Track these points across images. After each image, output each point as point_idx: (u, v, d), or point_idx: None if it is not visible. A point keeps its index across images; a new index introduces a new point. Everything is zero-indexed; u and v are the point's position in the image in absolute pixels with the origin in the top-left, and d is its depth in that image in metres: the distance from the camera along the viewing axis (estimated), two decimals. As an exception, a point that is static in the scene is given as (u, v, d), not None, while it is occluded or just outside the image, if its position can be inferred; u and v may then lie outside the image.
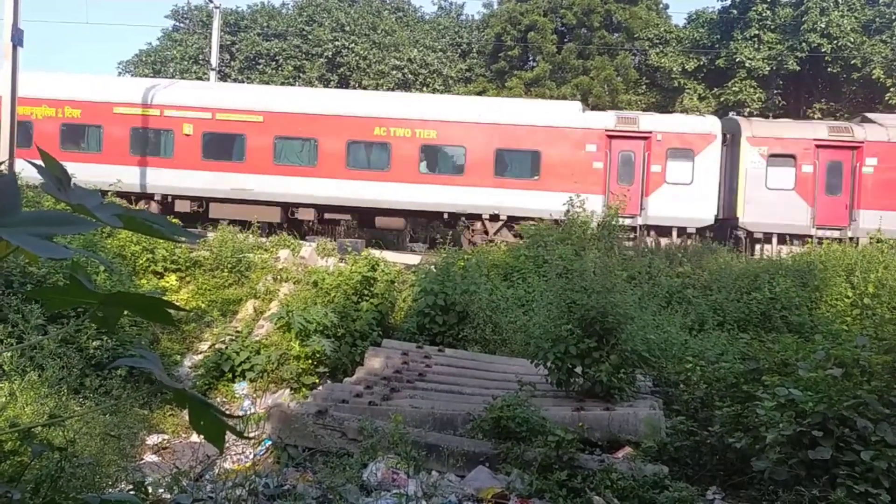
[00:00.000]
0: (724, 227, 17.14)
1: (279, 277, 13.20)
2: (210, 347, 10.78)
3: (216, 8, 25.77)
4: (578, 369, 7.64)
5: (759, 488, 5.49)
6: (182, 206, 17.57)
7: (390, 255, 14.66)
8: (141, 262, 12.54)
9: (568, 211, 15.70)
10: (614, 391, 7.54)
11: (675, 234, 16.76)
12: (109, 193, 14.50)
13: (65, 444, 4.78)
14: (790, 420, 5.12)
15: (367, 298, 11.77)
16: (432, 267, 12.33)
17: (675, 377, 8.19)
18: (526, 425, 6.58)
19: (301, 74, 33.07)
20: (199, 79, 32.04)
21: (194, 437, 7.95)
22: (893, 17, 26.73)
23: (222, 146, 17.69)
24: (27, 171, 10.80)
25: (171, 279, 12.66)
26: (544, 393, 7.91)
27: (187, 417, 1.41)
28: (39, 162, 1.20)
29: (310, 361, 10.07)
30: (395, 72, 32.00)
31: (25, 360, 7.61)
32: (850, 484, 4.62)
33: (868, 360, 5.42)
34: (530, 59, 32.19)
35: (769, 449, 5.22)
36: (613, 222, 15.20)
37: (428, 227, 20.16)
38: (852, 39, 26.34)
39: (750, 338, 8.86)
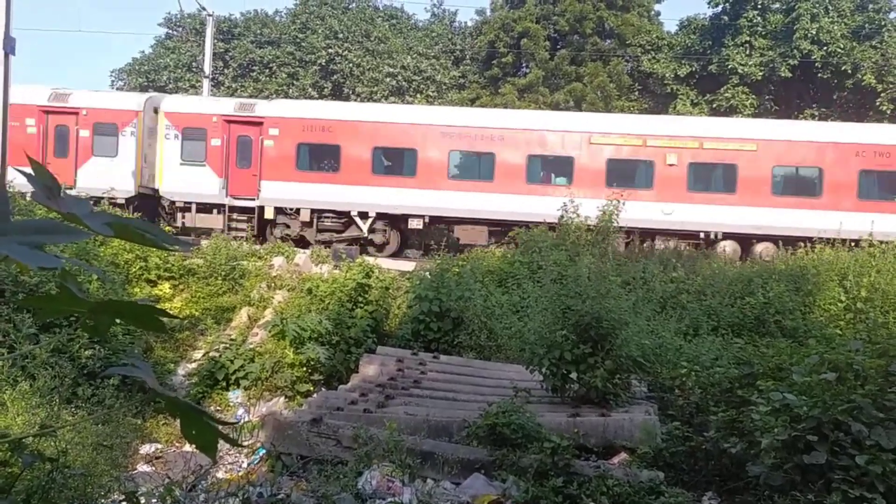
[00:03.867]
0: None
1: (273, 285, 13.16)
2: (204, 355, 10.72)
3: (209, 16, 25.79)
4: (573, 375, 7.63)
5: (755, 493, 5.48)
6: None
7: (385, 262, 14.66)
8: (134, 270, 12.49)
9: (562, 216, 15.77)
10: (609, 397, 7.53)
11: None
12: None
13: (56, 454, 4.75)
14: (785, 425, 5.12)
15: (362, 305, 11.74)
16: (427, 273, 12.32)
17: (670, 382, 8.19)
18: (521, 432, 6.57)
19: (295, 82, 33.10)
20: (193, 87, 32.03)
21: (187, 447, 7.89)
22: (883, 22, 26.99)
23: None
24: (19, 179, 10.76)
25: (165, 287, 12.60)
26: (539, 399, 7.90)
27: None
28: (29, 170, 1.19)
29: (304, 369, 10.03)
30: (388, 79, 32.08)
31: (17, 369, 7.56)
32: (846, 489, 4.62)
33: (862, 365, 5.43)
34: (523, 65, 32.32)
35: (764, 454, 5.22)
36: (605, 224, 15.24)
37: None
38: (842, 45, 26.56)
39: (744, 342, 8.87)
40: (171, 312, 1.67)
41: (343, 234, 17.85)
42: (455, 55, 34.73)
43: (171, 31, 37.15)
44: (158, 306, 1.39)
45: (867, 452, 4.69)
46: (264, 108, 18.12)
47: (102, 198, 17.68)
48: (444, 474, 6.38)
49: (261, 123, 17.78)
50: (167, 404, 1.37)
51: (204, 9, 26.16)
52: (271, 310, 11.88)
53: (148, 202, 18.47)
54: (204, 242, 14.41)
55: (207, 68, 25.55)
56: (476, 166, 17.57)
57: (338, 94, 32.66)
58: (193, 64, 33.40)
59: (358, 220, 17.51)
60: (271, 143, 17.68)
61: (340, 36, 33.03)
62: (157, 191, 18.19)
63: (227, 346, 10.54)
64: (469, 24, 36.81)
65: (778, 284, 11.95)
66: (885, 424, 4.84)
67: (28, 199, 11.85)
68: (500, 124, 17.49)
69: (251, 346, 10.50)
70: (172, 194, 18.01)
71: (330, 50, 32.54)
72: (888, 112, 26.37)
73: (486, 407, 7.12)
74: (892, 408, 4.93)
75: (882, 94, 26.62)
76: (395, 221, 17.70)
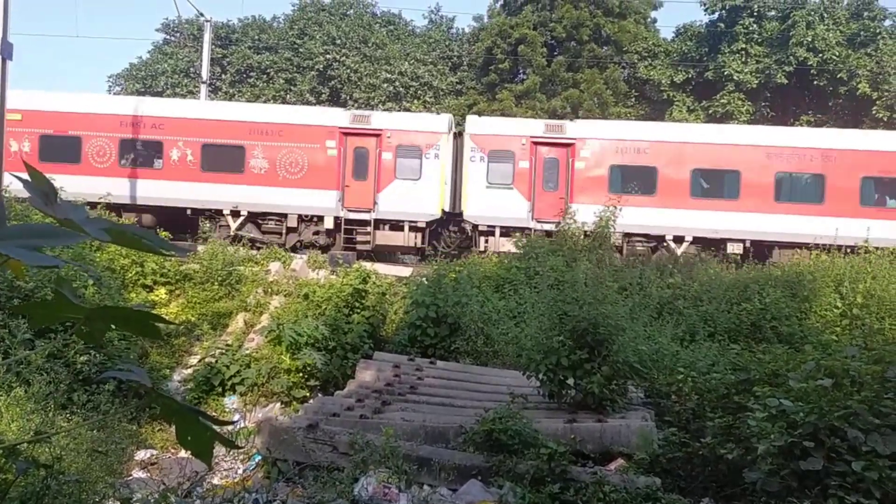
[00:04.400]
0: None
1: (270, 290, 13.14)
2: (200, 361, 10.69)
3: (207, 21, 25.82)
4: (570, 381, 7.63)
5: (752, 499, 5.48)
6: None
7: (382, 268, 14.65)
8: (130, 275, 12.46)
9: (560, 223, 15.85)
10: (606, 403, 7.53)
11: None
12: None
13: (51, 461, 4.72)
14: (781, 431, 5.12)
15: (359, 311, 11.73)
16: (424, 279, 12.31)
17: (667, 388, 8.19)
18: (518, 438, 6.56)
19: (292, 87, 33.14)
20: (191, 92, 32.04)
21: (183, 453, 7.87)
22: (877, 30, 27.12)
23: None
24: (15, 185, 10.72)
25: (161, 292, 12.57)
26: (536, 405, 7.89)
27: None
28: (25, 175, 1.19)
29: (300, 375, 10.01)
30: (386, 84, 32.13)
31: (12, 375, 7.52)
32: (842, 495, 4.62)
33: (858, 371, 5.44)
34: (520, 72, 32.40)
35: (761, 460, 5.22)
36: (602, 230, 15.29)
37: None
38: (837, 53, 26.70)
39: (740, 348, 8.88)
40: (166, 318, 1.67)
41: (653, 258, 17.14)
42: (452, 61, 34.81)
43: (168, 37, 37.17)
44: (154, 312, 1.39)
45: (863, 458, 4.70)
46: (575, 128, 17.61)
47: (403, 221, 17.23)
48: (441, 480, 6.36)
49: (570, 145, 17.32)
50: (163, 408, 1.37)
51: (202, 14, 26.20)
52: (268, 315, 11.86)
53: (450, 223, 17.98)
54: (200, 248, 14.39)
55: (205, 74, 25.56)
56: (804, 188, 16.95)
57: (335, 100, 32.69)
58: (191, 69, 33.42)
59: (672, 244, 16.88)
60: (582, 164, 17.18)
61: (338, 42, 33.09)
62: (459, 214, 17.61)
63: (223, 351, 10.53)
64: (466, 30, 36.95)
65: (774, 290, 11.97)
66: (881, 430, 4.85)
67: (24, 204, 11.82)
68: (832, 145, 16.85)
69: (247, 352, 10.48)
70: (477, 218, 17.37)
71: (328, 56, 32.59)
72: (885, 119, 26.48)
73: (482, 413, 7.11)
74: (888, 414, 4.94)
75: (878, 102, 26.73)
76: (710, 245, 16.88)
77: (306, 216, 17.61)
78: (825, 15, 27.57)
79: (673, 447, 6.57)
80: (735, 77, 27.76)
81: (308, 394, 9.98)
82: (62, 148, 17.48)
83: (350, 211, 17.48)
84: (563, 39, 31.27)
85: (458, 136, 18.17)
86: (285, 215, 17.52)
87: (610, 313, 7.71)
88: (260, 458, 7.45)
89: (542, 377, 7.72)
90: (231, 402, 9.79)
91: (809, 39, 26.74)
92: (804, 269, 13.62)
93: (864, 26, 27.18)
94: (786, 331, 10.98)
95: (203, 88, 25.46)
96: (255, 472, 7.43)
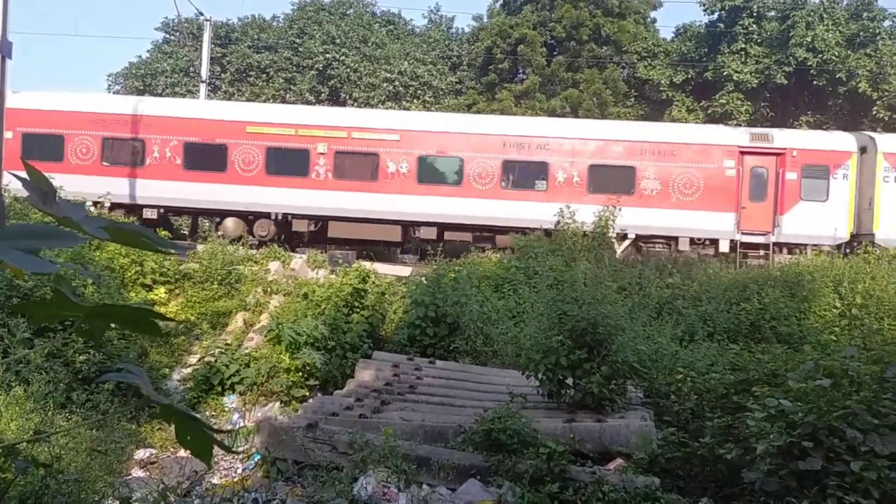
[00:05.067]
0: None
1: (269, 289, 13.14)
2: (199, 360, 10.68)
3: (207, 20, 25.82)
4: (570, 381, 7.63)
5: (751, 499, 5.48)
6: None
7: (381, 267, 14.64)
8: (129, 274, 12.44)
9: (558, 222, 15.86)
10: (605, 402, 7.53)
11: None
12: None
13: (50, 460, 4.72)
14: (780, 431, 5.13)
15: (358, 310, 11.72)
16: (423, 279, 12.31)
17: (666, 388, 8.20)
18: (517, 437, 6.56)
19: (292, 87, 33.14)
20: (190, 92, 32.05)
21: (182, 452, 7.87)
22: (877, 30, 27.14)
23: None
24: (14, 183, 10.72)
25: (160, 291, 12.56)
26: (535, 404, 7.89)
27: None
28: (24, 174, 1.19)
29: (300, 374, 10.01)
30: (385, 84, 32.13)
31: (11, 374, 7.52)
32: (841, 495, 4.62)
33: (857, 371, 5.44)
34: (520, 71, 32.42)
35: (760, 460, 5.22)
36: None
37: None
38: (837, 53, 26.71)
39: (740, 348, 8.88)
40: (165, 315, 1.67)
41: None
42: (452, 61, 34.82)
43: (168, 36, 37.16)
44: (151, 309, 1.38)
45: (862, 458, 4.70)
46: None
47: (806, 245, 16.22)
48: (440, 480, 6.36)
49: None
50: (162, 410, 1.37)
51: (201, 13, 26.21)
52: (267, 315, 11.86)
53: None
54: (200, 247, 14.38)
55: (204, 73, 25.55)
56: None
57: (335, 100, 32.69)
58: (190, 68, 33.41)
59: None
60: None
61: (338, 41, 33.09)
62: (871, 235, 16.40)
63: (223, 350, 10.52)
64: (466, 30, 36.98)
65: (773, 290, 11.97)
66: (879, 430, 4.85)
67: (24, 203, 11.81)
68: None
69: (247, 351, 10.48)
70: (888, 241, 16.09)
71: (327, 55, 32.58)
72: (885, 119, 26.50)
73: (481, 412, 7.11)
74: (886, 414, 4.94)
75: (878, 102, 26.75)
76: None
77: (698, 239, 16.79)
78: (825, 15, 27.58)
79: (672, 447, 6.58)
80: (734, 77, 27.77)
81: (307, 393, 9.98)
82: (441, 169, 17.30)
83: (744, 234, 16.57)
84: (563, 39, 31.29)
85: None
86: (675, 238, 16.67)
87: (609, 313, 7.71)
88: (259, 457, 7.45)
89: (541, 377, 7.73)
90: (230, 401, 9.79)
91: (809, 40, 26.75)
92: (803, 269, 13.62)
93: (864, 27, 27.18)
94: (785, 331, 10.97)
95: (202, 88, 25.45)
96: (254, 471, 7.43)
